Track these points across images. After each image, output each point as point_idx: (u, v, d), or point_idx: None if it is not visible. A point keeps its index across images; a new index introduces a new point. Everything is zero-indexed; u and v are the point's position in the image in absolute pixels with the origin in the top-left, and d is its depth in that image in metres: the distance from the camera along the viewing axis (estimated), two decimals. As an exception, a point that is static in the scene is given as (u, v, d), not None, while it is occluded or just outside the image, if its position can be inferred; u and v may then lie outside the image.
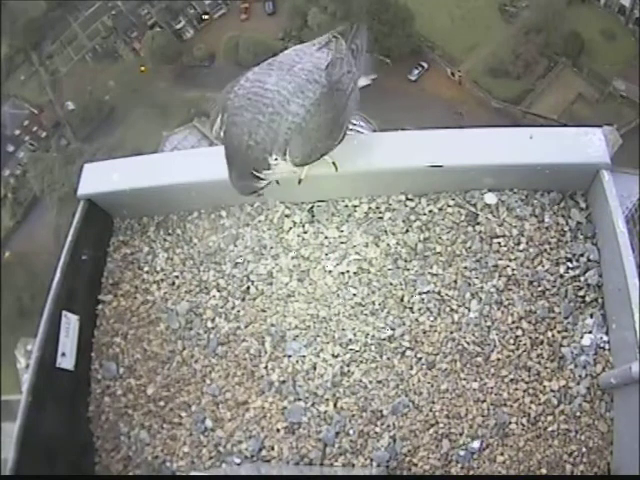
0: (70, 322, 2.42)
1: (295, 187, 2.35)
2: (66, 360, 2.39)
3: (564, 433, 2.17)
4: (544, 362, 2.25)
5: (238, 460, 2.33)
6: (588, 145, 2.29)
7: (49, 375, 2.30)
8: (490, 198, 2.46)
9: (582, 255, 2.34)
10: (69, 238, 2.46)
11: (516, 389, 2.24)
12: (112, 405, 2.49)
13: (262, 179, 2.08)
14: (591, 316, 2.27)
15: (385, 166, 2.37)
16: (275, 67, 2.09)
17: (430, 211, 2.48)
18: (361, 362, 2.34)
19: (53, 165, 36.17)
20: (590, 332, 2.24)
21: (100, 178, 2.60)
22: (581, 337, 2.24)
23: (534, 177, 2.38)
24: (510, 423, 2.21)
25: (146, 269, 2.64)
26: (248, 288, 2.51)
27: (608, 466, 2.12)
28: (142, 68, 40.67)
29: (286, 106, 2.01)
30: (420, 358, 2.31)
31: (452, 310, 2.35)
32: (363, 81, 2.33)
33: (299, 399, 2.34)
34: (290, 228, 2.56)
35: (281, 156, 2.03)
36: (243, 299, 2.50)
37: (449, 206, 2.48)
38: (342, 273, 2.45)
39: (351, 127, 2.40)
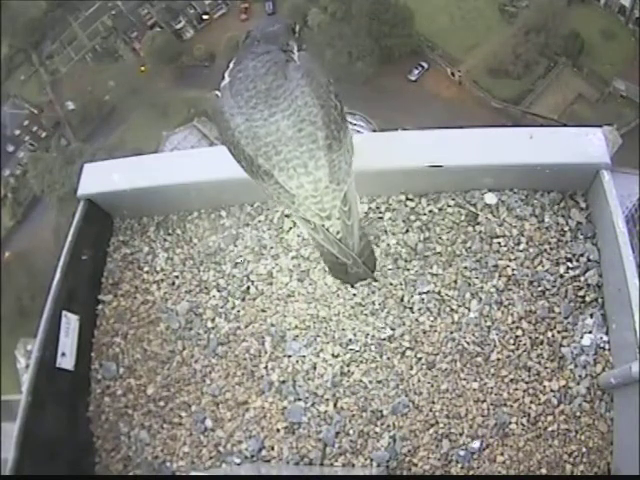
0: (70, 322, 2.42)
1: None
2: (66, 360, 2.39)
3: (564, 433, 2.17)
4: (544, 362, 2.24)
5: (238, 460, 2.33)
6: (588, 145, 2.29)
7: (49, 375, 2.30)
8: (490, 198, 2.46)
9: (582, 255, 2.34)
10: (69, 238, 2.46)
11: (516, 389, 2.24)
12: (112, 405, 2.49)
13: None
14: (591, 316, 2.27)
15: (385, 166, 2.37)
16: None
17: (430, 211, 2.48)
18: (361, 362, 2.34)
19: (53, 165, 36.14)
20: (590, 332, 2.24)
21: (100, 178, 2.61)
22: (581, 337, 2.25)
23: (534, 177, 2.38)
24: (510, 423, 2.21)
25: (146, 269, 2.64)
26: (248, 288, 2.51)
27: (608, 466, 2.12)
28: (142, 68, 40.66)
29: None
30: (420, 358, 2.31)
31: (452, 310, 2.35)
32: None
33: (299, 399, 2.34)
34: (290, 228, 2.56)
35: None
36: (243, 299, 2.50)
37: (449, 206, 2.48)
38: (342, 273, 2.45)
39: (351, 126, 2.39)
